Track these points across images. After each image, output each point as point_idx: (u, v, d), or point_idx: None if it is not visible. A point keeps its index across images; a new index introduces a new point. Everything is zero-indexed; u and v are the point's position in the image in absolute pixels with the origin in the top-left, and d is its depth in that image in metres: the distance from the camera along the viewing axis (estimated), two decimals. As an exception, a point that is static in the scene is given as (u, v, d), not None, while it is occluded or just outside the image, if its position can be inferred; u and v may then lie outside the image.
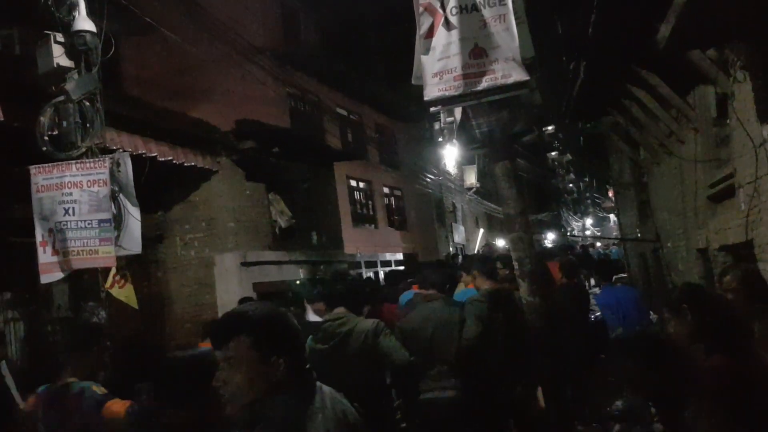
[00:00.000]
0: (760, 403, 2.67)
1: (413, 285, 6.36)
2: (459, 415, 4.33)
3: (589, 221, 49.65)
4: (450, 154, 23.00)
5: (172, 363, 2.74)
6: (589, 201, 45.46)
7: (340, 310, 4.47)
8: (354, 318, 4.44)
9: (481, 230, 29.84)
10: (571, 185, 46.65)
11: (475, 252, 22.39)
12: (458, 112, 5.22)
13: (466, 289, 5.48)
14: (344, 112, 18.42)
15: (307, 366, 2.07)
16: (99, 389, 3.35)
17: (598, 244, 34.47)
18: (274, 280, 11.26)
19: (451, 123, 6.39)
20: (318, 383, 2.05)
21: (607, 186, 26.15)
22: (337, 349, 4.31)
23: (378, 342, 4.31)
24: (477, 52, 4.35)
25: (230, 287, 10.25)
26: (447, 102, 4.48)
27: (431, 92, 4.40)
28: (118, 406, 3.30)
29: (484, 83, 4.28)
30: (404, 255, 20.07)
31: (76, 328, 4.22)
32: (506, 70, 4.23)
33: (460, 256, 17.91)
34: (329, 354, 4.28)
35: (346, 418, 2.00)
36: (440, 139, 22.25)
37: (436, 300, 4.80)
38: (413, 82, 4.54)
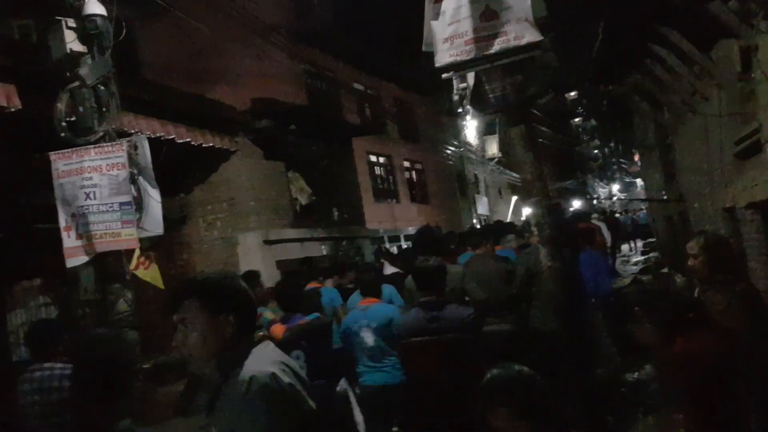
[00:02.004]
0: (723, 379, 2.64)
1: (468, 248, 7.16)
2: (513, 345, 5.17)
3: (615, 187, 49.05)
4: (471, 125, 22.79)
5: None
6: (615, 166, 44.91)
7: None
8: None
9: (514, 197, 29.80)
10: (596, 151, 46.13)
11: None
12: (471, 77, 5.13)
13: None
14: (361, 87, 18.30)
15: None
16: (270, 315, 5.16)
17: (627, 209, 34.08)
18: (296, 257, 11.32)
19: (465, 89, 6.32)
20: (261, 345, 2.21)
21: (633, 150, 25.73)
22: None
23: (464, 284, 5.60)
24: (488, 15, 4.27)
25: (254, 266, 10.28)
26: (459, 67, 4.42)
27: (442, 58, 4.35)
28: (277, 330, 4.88)
29: (496, 46, 4.22)
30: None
31: None
32: (518, 31, 4.16)
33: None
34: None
35: (247, 382, 2.02)
36: (459, 110, 22.04)
37: (489, 256, 6.07)
38: (423, 48, 4.48)
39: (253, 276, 7.40)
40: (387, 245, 16.61)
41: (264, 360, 2.12)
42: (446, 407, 3.92)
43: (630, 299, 3.03)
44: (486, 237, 6.47)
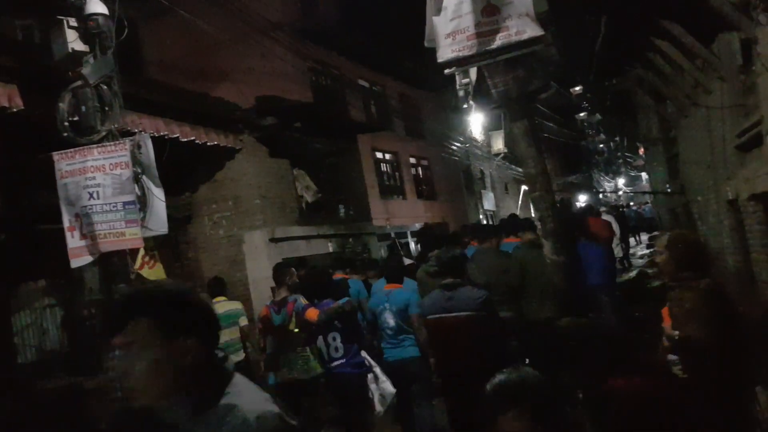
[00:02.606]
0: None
1: (472, 241, 7.64)
2: (513, 331, 5.49)
3: (621, 181, 48.88)
4: (476, 121, 22.73)
5: None
6: (620, 160, 44.74)
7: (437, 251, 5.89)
8: None
9: (524, 187, 29.91)
10: (601, 145, 45.94)
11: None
12: (474, 72, 5.13)
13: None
14: (366, 84, 18.28)
15: (221, 355, 1.79)
16: (304, 300, 5.66)
17: (632, 203, 34.01)
18: (303, 255, 11.34)
19: (467, 84, 6.40)
20: (236, 376, 1.77)
21: (638, 144, 25.67)
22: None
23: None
24: (489, 10, 4.28)
25: (260, 264, 10.35)
26: (461, 63, 4.43)
27: (445, 54, 4.35)
28: (312, 313, 5.46)
29: (498, 41, 4.22)
30: (435, 225, 20.01)
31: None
32: (520, 26, 4.16)
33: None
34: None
35: (254, 423, 1.63)
36: (465, 106, 22.00)
37: (491, 250, 6.53)
38: (426, 44, 4.48)
39: (219, 283, 7.45)
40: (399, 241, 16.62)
41: (259, 396, 1.74)
42: (464, 375, 4.34)
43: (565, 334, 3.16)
44: (494, 232, 7.09)
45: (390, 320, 5.61)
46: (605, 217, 17.87)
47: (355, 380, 5.50)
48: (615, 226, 17.21)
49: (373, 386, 5.61)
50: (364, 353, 5.65)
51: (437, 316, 4.73)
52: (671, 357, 3.37)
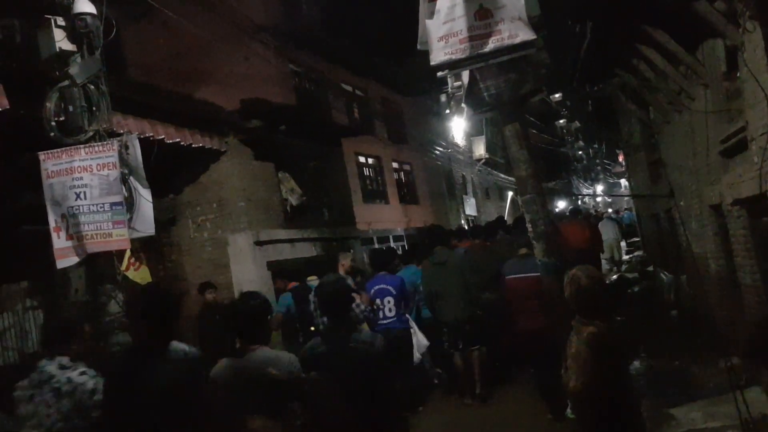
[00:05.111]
0: None
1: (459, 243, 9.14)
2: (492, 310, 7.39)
3: (599, 188, 49.41)
4: (458, 126, 22.83)
5: None
6: (599, 167, 45.20)
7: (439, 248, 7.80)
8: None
9: (510, 193, 30.41)
10: (580, 152, 46.37)
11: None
12: (465, 75, 5.16)
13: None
14: (349, 88, 18.30)
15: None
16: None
17: (610, 209, 34.37)
18: (288, 258, 11.30)
19: (459, 87, 6.53)
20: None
21: (617, 151, 25.95)
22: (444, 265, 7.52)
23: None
24: (482, 13, 4.30)
25: (245, 267, 10.30)
26: (454, 66, 4.44)
27: (437, 56, 4.37)
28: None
29: (491, 44, 4.25)
30: (417, 229, 20.06)
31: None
32: (513, 30, 4.19)
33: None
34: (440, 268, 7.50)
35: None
36: (447, 111, 22.08)
37: (480, 246, 8.83)
38: (419, 47, 4.50)
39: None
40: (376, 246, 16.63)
41: None
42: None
43: None
44: (481, 233, 9.62)
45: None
46: (606, 222, 18.02)
47: (402, 333, 7.15)
48: (612, 230, 17.40)
49: (414, 339, 7.28)
50: (407, 315, 7.42)
51: (514, 275, 6.57)
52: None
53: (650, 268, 14.60)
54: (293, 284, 8.61)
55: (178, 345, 3.48)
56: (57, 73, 5.48)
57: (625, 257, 19.09)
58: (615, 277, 14.79)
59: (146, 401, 3.22)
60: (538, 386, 6.75)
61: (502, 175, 28.77)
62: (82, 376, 3.91)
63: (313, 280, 8.07)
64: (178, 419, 3.19)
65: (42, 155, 5.38)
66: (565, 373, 3.30)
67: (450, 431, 6.96)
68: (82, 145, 5.38)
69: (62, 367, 3.92)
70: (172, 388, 3.25)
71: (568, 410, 5.36)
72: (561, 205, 37.68)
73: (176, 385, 3.27)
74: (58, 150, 5.37)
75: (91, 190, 5.36)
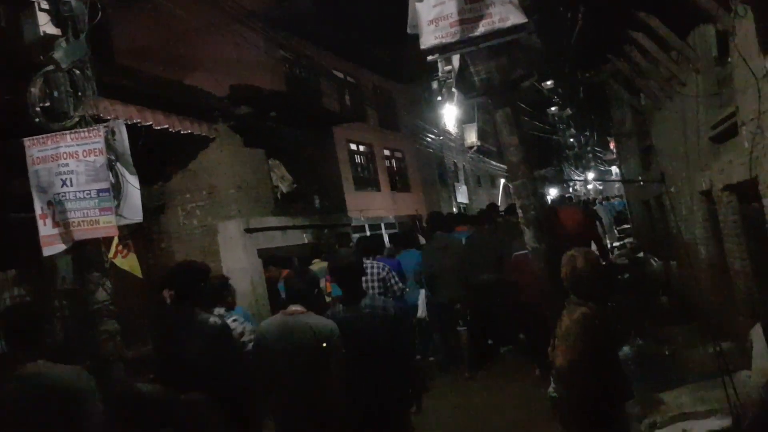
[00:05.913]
0: None
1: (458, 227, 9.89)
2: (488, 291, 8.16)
3: (591, 175, 49.47)
4: (450, 114, 22.75)
5: None
6: (590, 155, 45.22)
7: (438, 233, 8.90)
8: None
9: (503, 180, 30.55)
10: (572, 140, 46.35)
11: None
12: (456, 60, 5.11)
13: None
14: (341, 75, 18.20)
15: None
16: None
17: (600, 196, 34.44)
18: (278, 245, 11.25)
19: (450, 72, 6.54)
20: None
21: (608, 138, 25.98)
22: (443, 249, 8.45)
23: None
24: (472, -4, 4.24)
25: (235, 254, 10.25)
26: (444, 50, 4.40)
27: (427, 40, 4.32)
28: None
29: (482, 28, 4.20)
30: (409, 216, 20.04)
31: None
32: (503, 13, 4.14)
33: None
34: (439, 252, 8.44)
35: None
36: (439, 98, 21.99)
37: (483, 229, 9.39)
38: (408, 30, 4.44)
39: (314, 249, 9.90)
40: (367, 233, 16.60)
41: None
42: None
43: None
44: (486, 218, 10.24)
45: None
46: (599, 207, 18.06)
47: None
48: (605, 216, 17.48)
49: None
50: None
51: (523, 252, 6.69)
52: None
53: (641, 255, 14.65)
54: (287, 272, 8.57)
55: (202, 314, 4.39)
56: (41, 57, 5.38)
57: (616, 244, 19.15)
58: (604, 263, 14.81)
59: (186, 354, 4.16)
60: (530, 348, 7.65)
61: (494, 163, 28.78)
62: (234, 323, 4.99)
63: (317, 263, 8.49)
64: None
65: (27, 141, 5.30)
66: (553, 351, 3.32)
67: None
68: (67, 131, 5.29)
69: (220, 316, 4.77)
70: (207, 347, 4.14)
71: (551, 389, 5.39)
72: (553, 192, 37.69)
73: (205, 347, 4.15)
74: (44, 136, 5.28)
75: (78, 177, 5.29)
